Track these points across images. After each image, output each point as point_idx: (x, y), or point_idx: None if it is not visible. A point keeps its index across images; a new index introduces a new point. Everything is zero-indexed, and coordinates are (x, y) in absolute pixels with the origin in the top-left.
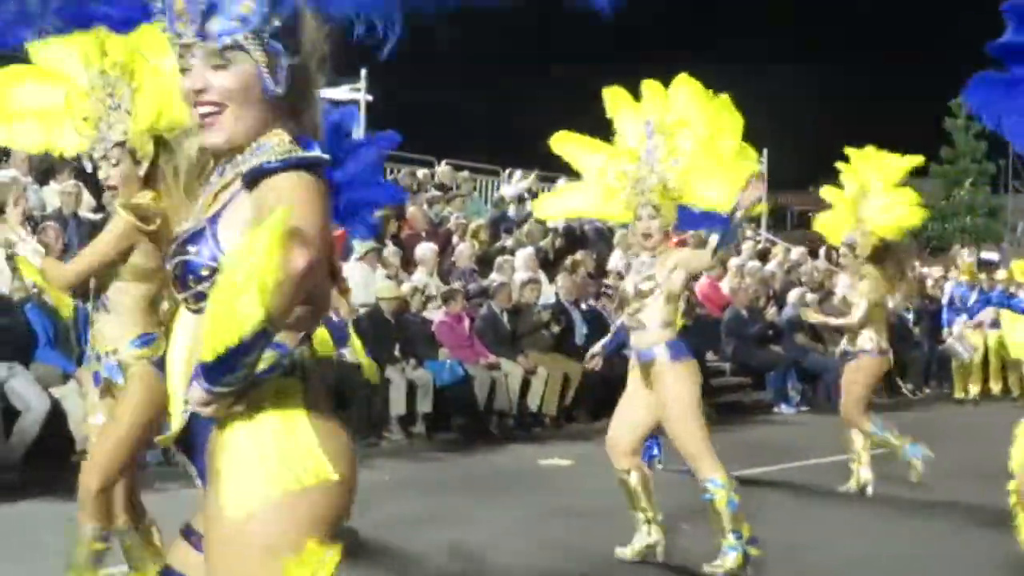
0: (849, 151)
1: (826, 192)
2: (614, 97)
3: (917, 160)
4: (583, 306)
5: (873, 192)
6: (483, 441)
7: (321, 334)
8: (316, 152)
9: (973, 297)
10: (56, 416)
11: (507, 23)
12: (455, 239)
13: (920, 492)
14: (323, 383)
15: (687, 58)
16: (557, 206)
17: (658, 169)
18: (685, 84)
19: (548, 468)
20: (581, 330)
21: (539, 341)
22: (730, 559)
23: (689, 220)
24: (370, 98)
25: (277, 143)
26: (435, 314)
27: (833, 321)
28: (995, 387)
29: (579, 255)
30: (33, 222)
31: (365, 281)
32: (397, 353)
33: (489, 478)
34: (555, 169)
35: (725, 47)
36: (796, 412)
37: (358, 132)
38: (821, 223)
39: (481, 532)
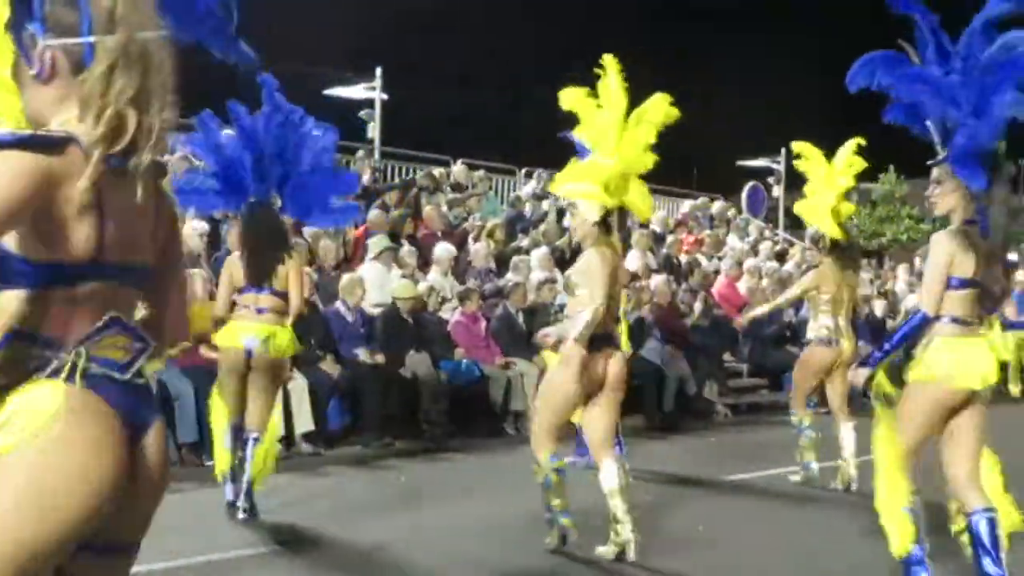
0: (799, 147)
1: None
2: (572, 99)
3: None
4: None
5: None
6: (499, 442)
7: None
8: (30, 133)
9: None
10: None
11: (525, 23)
12: (471, 239)
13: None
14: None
15: (705, 57)
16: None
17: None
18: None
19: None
20: None
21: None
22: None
23: None
24: (385, 97)
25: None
26: (451, 314)
27: (759, 310)
28: (1015, 389)
29: None
30: None
31: (380, 281)
32: (413, 352)
33: (505, 479)
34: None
35: (744, 47)
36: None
37: (374, 131)
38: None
39: (498, 533)
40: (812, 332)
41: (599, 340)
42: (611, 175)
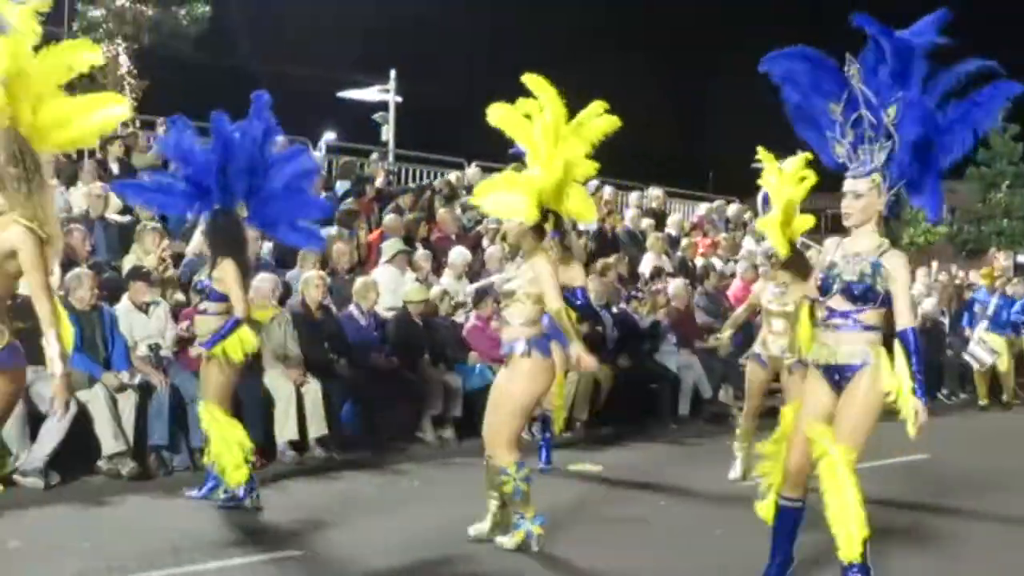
0: (763, 155)
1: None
2: (536, 84)
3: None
4: (614, 309)
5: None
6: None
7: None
8: None
9: (993, 303)
10: (81, 420)
11: (536, 26)
12: (485, 242)
13: (952, 499)
14: None
15: (721, 59)
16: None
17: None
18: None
19: (578, 473)
20: (612, 334)
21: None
22: (515, 537)
23: None
24: (399, 100)
25: None
26: (465, 317)
27: (728, 331)
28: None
29: (612, 258)
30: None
31: (394, 284)
32: (427, 357)
33: None
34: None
35: (761, 50)
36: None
37: (388, 134)
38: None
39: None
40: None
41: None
42: (542, 185)
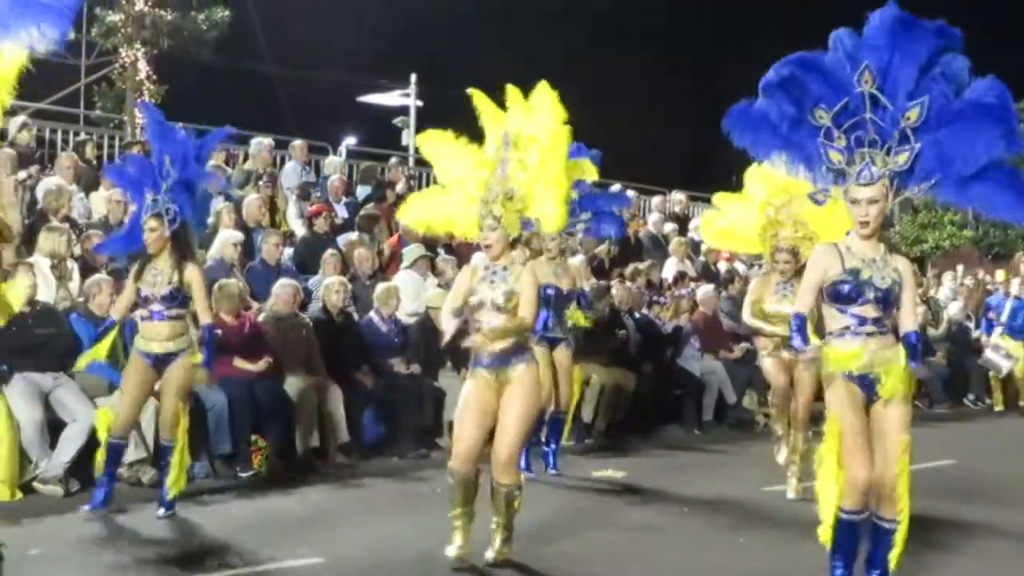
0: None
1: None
2: (480, 103)
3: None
4: (636, 315)
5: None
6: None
7: None
8: None
9: (1008, 307)
10: None
11: (558, 29)
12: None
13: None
14: None
15: (749, 62)
16: (419, 212)
17: (506, 180)
18: (544, 94)
19: (601, 479)
20: (635, 339)
21: (592, 351)
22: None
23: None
24: (420, 104)
25: None
26: None
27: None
28: None
29: (640, 264)
30: (78, 230)
31: (415, 290)
32: (449, 363)
33: (542, 490)
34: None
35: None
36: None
37: (408, 138)
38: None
39: (538, 541)
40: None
41: None
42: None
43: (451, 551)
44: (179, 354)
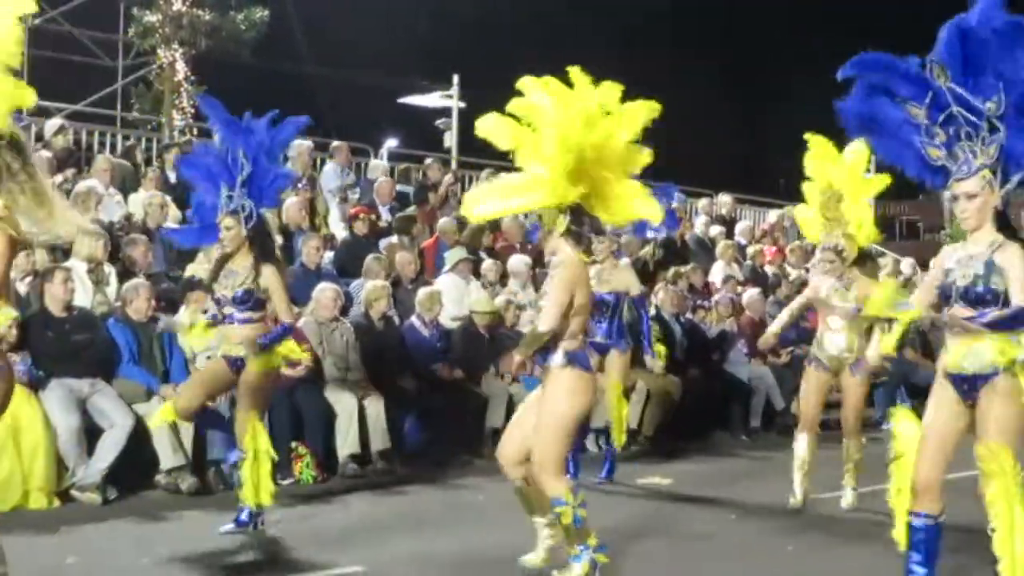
0: (810, 138)
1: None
2: (539, 84)
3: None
4: (681, 319)
5: (846, 196)
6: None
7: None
8: None
9: None
10: (139, 434)
11: (601, 29)
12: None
13: None
14: None
15: (796, 62)
16: (494, 205)
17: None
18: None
19: (647, 486)
20: (681, 344)
21: (638, 356)
22: (576, 569)
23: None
24: (463, 105)
25: None
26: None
27: (774, 326)
28: None
29: (683, 267)
30: (119, 234)
31: (458, 294)
32: (492, 369)
33: (586, 497)
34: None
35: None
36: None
37: (451, 140)
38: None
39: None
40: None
41: None
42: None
43: (525, 558)
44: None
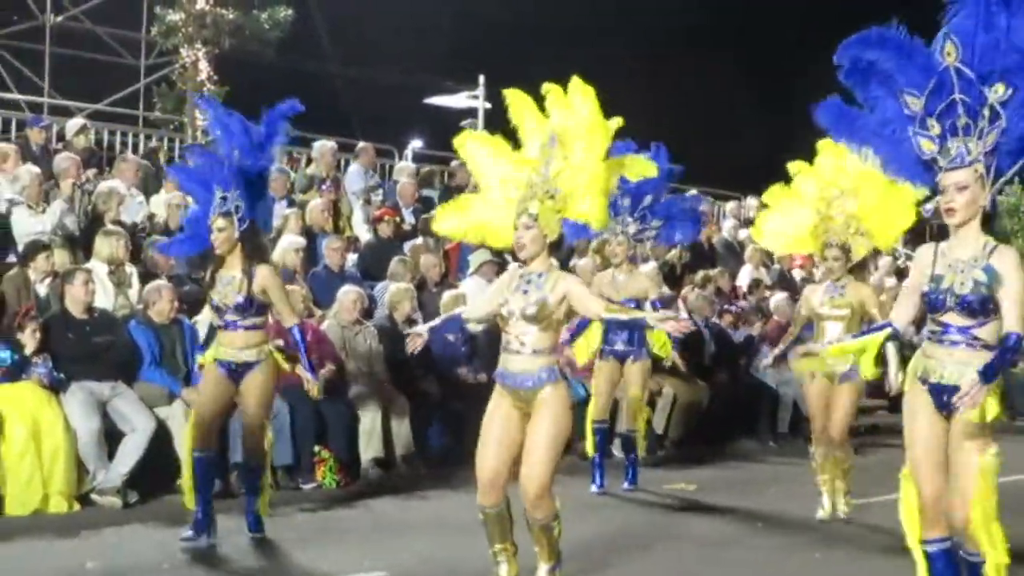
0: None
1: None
2: (517, 103)
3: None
4: (709, 324)
5: (856, 189)
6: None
7: None
8: None
9: None
10: (161, 437)
11: (629, 31)
12: (576, 254)
13: None
14: None
15: (822, 65)
16: (453, 220)
17: (549, 179)
18: (579, 90)
19: (673, 493)
20: (709, 349)
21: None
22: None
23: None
24: (488, 106)
25: None
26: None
27: (779, 349)
28: None
29: (711, 271)
30: (140, 235)
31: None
32: None
33: (611, 503)
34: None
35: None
36: None
37: None
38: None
39: (602, 559)
40: None
41: None
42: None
43: None
44: (255, 365)
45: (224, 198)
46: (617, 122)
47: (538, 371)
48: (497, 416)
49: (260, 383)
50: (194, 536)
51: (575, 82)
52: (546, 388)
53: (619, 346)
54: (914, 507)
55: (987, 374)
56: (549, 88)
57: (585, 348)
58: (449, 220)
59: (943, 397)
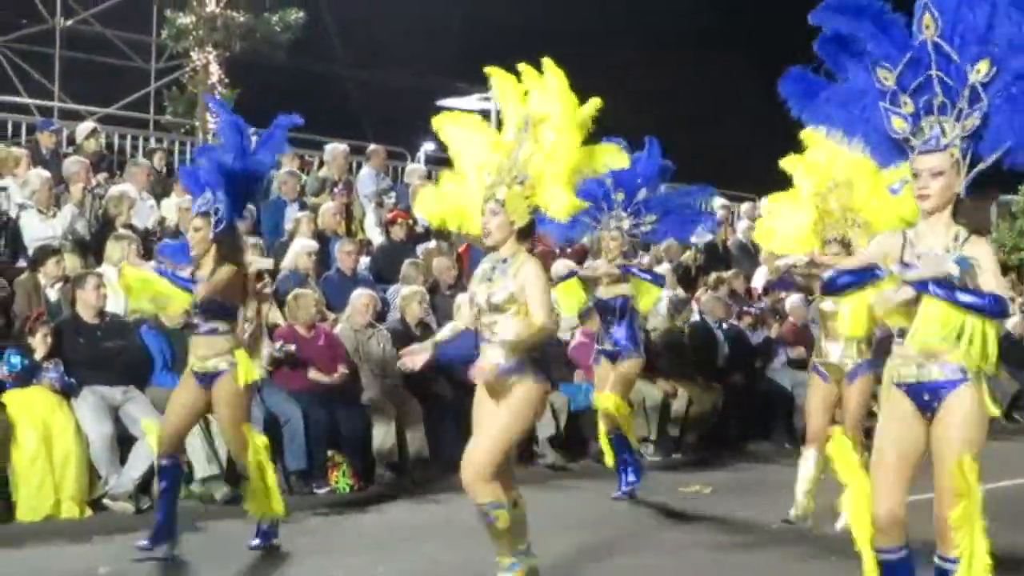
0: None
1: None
2: (500, 83)
3: None
4: (724, 326)
5: (850, 179)
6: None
7: None
8: None
9: None
10: None
11: (641, 31)
12: (590, 256)
13: None
14: None
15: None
16: (432, 204)
17: (520, 164)
18: (552, 72)
19: (688, 496)
20: (723, 351)
21: (679, 363)
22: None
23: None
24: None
25: None
26: (569, 334)
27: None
28: None
29: (724, 273)
30: (151, 239)
31: None
32: None
33: (624, 506)
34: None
35: None
36: None
37: None
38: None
39: (615, 561)
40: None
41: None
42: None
43: None
44: (221, 373)
45: (207, 198)
46: (595, 103)
47: (506, 371)
48: (478, 407)
49: (230, 391)
50: (149, 546)
51: (547, 64)
52: (511, 379)
53: (607, 345)
54: (866, 510)
55: (961, 264)
56: (524, 69)
57: (570, 299)
58: (428, 204)
59: (923, 396)
